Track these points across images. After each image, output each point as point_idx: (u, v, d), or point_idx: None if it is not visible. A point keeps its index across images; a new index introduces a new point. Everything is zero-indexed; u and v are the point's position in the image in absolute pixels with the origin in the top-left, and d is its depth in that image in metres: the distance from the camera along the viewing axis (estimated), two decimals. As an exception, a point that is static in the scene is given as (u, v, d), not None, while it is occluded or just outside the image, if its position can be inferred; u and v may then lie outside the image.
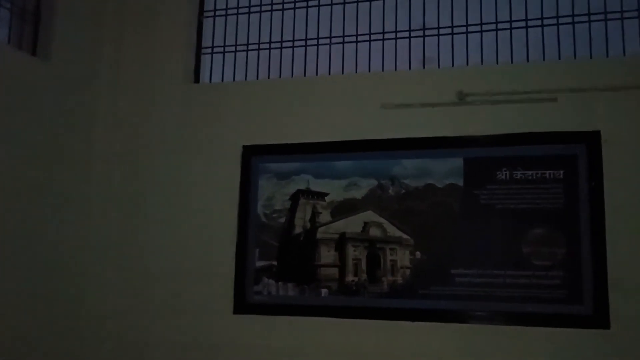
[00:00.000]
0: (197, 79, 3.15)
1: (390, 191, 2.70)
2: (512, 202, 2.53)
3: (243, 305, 2.78)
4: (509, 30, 2.74)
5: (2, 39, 2.69)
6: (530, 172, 2.53)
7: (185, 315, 2.83)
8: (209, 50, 3.16)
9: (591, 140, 2.48)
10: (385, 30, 2.90)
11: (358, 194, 2.73)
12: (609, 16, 2.62)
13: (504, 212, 2.54)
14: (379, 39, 2.91)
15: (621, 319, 2.33)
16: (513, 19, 2.73)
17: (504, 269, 2.49)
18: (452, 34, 2.81)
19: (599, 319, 2.36)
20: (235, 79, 3.10)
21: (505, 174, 2.56)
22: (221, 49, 3.14)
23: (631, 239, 2.38)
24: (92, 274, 2.94)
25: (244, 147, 2.90)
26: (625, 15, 2.60)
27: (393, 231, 2.67)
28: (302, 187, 2.82)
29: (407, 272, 2.61)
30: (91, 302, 2.93)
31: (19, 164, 2.58)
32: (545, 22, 2.69)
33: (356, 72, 2.92)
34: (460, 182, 2.61)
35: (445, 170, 2.63)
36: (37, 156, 2.68)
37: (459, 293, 2.52)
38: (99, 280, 2.94)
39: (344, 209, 2.74)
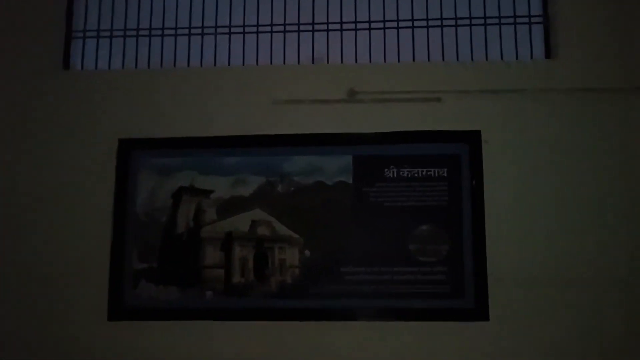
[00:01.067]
0: (66, 65, 2.86)
1: (279, 188, 2.63)
2: (400, 199, 2.56)
3: (118, 310, 2.56)
4: (396, 30, 2.77)
5: None
6: (416, 170, 2.58)
7: (52, 323, 2.56)
8: (81, 34, 2.88)
9: (473, 140, 2.57)
10: (274, 22, 2.82)
11: (246, 191, 2.62)
12: (488, 21, 2.74)
13: (391, 210, 2.56)
14: (267, 31, 2.82)
15: (500, 311, 2.44)
16: (400, 18, 2.77)
17: (391, 266, 2.51)
18: (342, 30, 2.79)
19: (479, 311, 2.45)
20: (112, 67, 2.86)
21: (393, 172, 2.59)
22: (95, 34, 2.88)
23: (508, 234, 2.49)
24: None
25: (120, 140, 2.68)
26: (503, 21, 2.73)
27: (282, 230, 2.59)
28: (186, 183, 2.66)
29: (297, 271, 2.55)
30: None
31: None
32: (430, 23, 2.76)
33: (243, 64, 2.81)
34: (350, 180, 2.59)
35: (335, 168, 2.61)
36: None
37: (348, 291, 2.50)
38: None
39: (230, 207, 2.62)
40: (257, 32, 2.82)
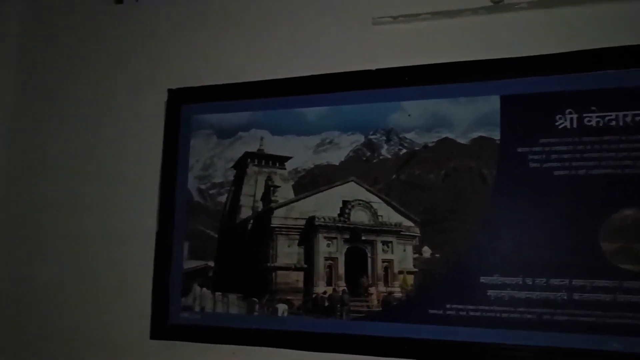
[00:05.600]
0: None
1: (384, 151, 1.72)
2: (583, 165, 1.52)
3: (164, 327, 1.85)
4: None
5: None
6: (612, 115, 1.51)
7: (85, 340, 1.93)
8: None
9: None
10: None
11: (335, 156, 1.76)
12: None
13: (568, 182, 1.52)
14: None
15: None
16: None
17: (568, 277, 1.49)
18: None
19: None
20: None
21: (571, 120, 1.54)
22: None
23: None
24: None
25: (171, 91, 1.96)
26: None
27: (388, 215, 1.69)
28: (254, 148, 1.85)
29: (411, 279, 1.63)
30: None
31: None
32: None
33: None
34: (496, 135, 1.60)
35: (471, 117, 1.63)
36: None
37: (492, 316, 1.53)
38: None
39: (313, 180, 1.77)
40: None
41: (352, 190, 1.72)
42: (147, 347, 1.85)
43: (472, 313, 1.55)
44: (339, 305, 1.68)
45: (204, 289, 1.83)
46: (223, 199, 1.87)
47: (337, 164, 1.75)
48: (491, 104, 1.62)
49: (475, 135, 1.62)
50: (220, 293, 1.82)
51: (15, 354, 2.01)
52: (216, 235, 1.85)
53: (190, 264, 1.86)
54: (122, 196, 1.97)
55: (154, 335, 1.85)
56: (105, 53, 2.10)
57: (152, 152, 1.94)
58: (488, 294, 1.54)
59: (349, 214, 1.71)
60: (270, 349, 1.73)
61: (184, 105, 1.94)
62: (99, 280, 1.95)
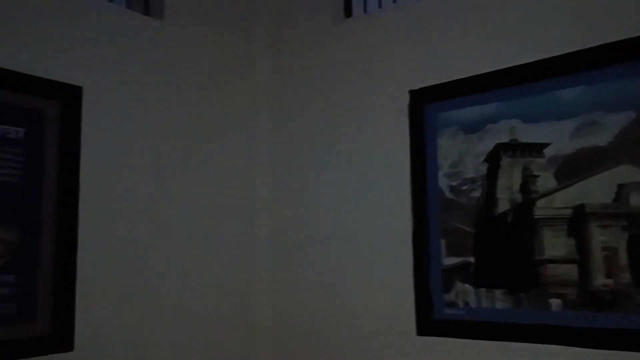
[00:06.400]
0: (348, 13, 2.33)
1: (663, 127, 1.55)
2: None
3: (429, 323, 1.87)
4: None
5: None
6: None
7: (349, 338, 2.04)
8: (359, -28, 2.30)
9: None
10: None
11: (601, 138, 1.63)
12: None
13: None
14: None
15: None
16: None
17: None
18: None
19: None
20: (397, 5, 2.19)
21: None
22: (375, -33, 2.26)
23: None
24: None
25: (412, 92, 1.99)
26: None
27: (674, 196, 1.51)
28: (505, 139, 1.80)
29: None
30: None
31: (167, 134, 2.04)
32: None
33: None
34: None
35: None
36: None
37: None
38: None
39: (578, 166, 1.66)
40: None
41: (627, 172, 1.57)
42: (414, 343, 1.89)
43: None
44: (622, 299, 1.55)
45: (466, 284, 1.82)
46: (476, 194, 1.84)
47: (605, 145, 1.62)
48: None
49: None
50: (484, 288, 1.79)
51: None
52: (473, 231, 1.83)
53: (450, 261, 1.86)
54: (376, 199, 2.04)
55: (421, 331, 1.88)
56: (339, 64, 2.20)
57: (399, 154, 1.98)
58: None
59: (626, 198, 1.57)
60: (543, 345, 1.65)
61: (427, 105, 1.95)
62: (358, 278, 2.04)
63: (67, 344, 1.67)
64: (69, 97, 1.77)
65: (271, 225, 2.31)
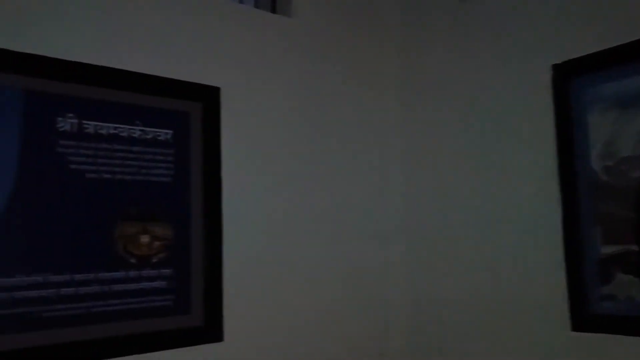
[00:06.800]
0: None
1: None
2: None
3: (584, 317, 1.72)
4: None
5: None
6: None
7: (500, 336, 1.93)
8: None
9: None
10: None
11: None
12: None
13: None
14: None
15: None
16: None
17: None
18: None
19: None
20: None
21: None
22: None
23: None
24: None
25: (556, 66, 1.84)
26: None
27: None
28: (669, 112, 1.60)
29: None
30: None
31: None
32: None
33: None
34: None
35: None
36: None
37: None
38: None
39: None
40: None
41: None
42: (569, 339, 1.74)
43: None
44: None
45: (630, 275, 1.64)
46: (635, 173, 1.65)
47: None
48: None
49: None
50: (651, 280, 1.60)
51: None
52: (634, 216, 1.65)
53: (607, 249, 1.69)
54: (517, 184, 1.91)
55: (576, 327, 1.73)
56: (470, 44, 2.09)
57: (543, 135, 1.84)
58: None
59: None
60: None
61: (575, 79, 1.79)
62: (502, 271, 1.93)
63: (217, 335, 1.75)
64: (209, 98, 1.84)
65: (403, 217, 2.26)
